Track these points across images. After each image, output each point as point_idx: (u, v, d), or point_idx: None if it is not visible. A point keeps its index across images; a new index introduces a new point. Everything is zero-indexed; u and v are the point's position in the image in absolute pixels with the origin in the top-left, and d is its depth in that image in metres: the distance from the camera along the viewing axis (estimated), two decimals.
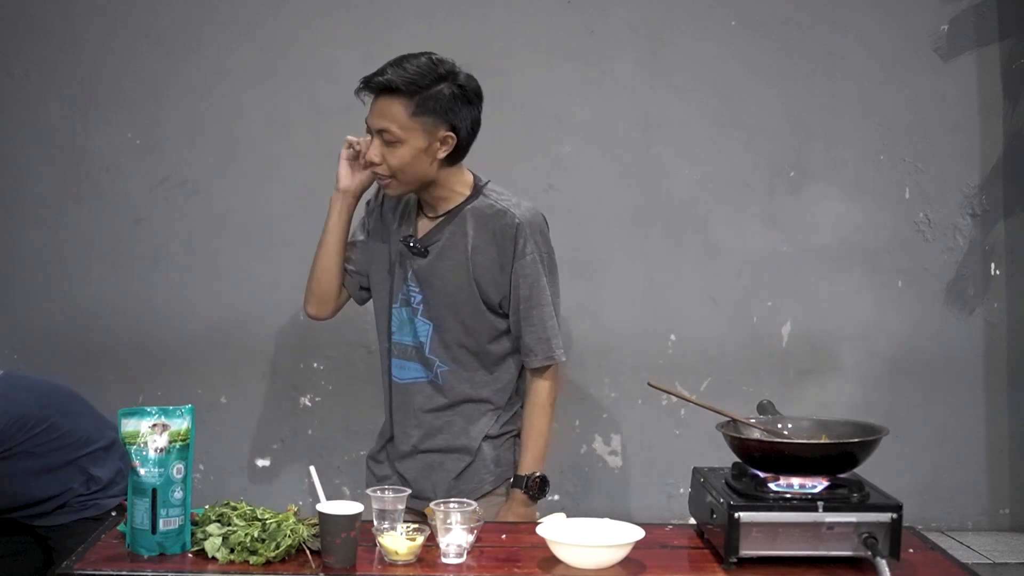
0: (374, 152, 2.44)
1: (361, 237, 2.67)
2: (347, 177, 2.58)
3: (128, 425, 2.08)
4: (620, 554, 2.05)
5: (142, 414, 2.10)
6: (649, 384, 2.62)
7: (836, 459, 2.11)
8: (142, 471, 2.07)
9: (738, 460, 2.21)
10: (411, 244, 2.54)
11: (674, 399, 3.50)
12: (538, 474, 2.56)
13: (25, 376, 2.86)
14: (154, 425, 2.09)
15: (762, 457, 2.15)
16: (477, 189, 2.56)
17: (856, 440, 2.11)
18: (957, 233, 3.58)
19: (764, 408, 2.38)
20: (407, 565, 2.06)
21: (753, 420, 2.30)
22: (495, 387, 2.60)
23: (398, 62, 2.42)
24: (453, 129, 2.45)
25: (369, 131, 2.46)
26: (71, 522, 2.72)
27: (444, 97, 2.42)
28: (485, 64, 3.53)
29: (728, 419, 2.26)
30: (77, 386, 2.92)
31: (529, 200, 2.60)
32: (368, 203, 2.69)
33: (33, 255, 3.54)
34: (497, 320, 2.56)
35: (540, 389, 2.58)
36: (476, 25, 3.52)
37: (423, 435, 2.60)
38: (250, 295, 3.54)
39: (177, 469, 2.10)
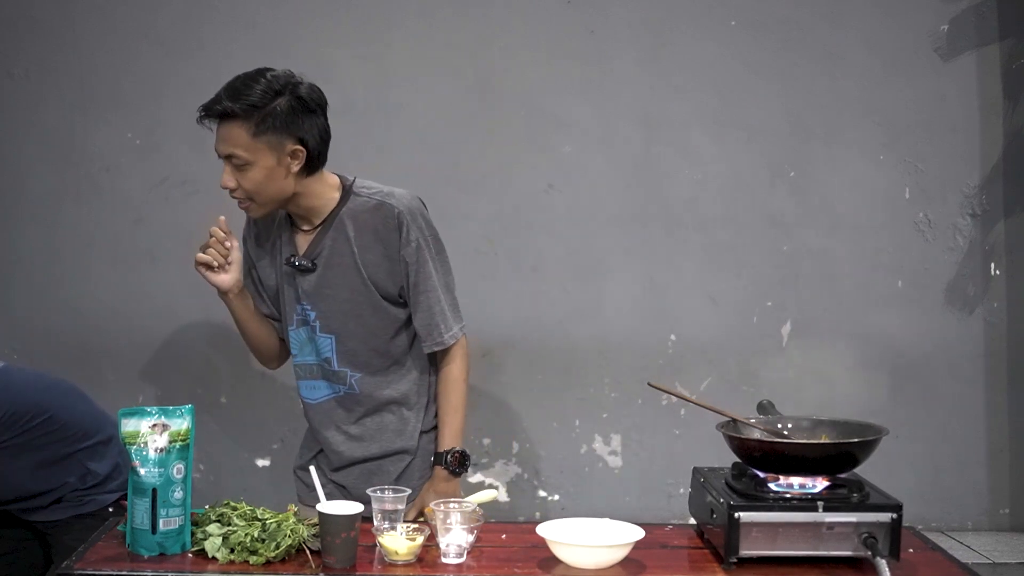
0: (227, 178, 2.39)
1: (257, 278, 2.61)
2: (222, 282, 2.49)
3: (128, 425, 2.08)
4: (620, 554, 2.05)
5: (142, 414, 2.10)
6: (649, 384, 2.62)
7: (836, 459, 2.11)
8: (142, 471, 2.07)
9: (738, 460, 2.21)
10: (296, 263, 2.50)
11: (674, 399, 3.51)
12: (458, 449, 2.54)
13: (24, 369, 2.86)
14: (154, 425, 2.09)
15: (762, 457, 2.15)
16: (347, 190, 2.51)
17: (856, 440, 2.11)
18: (957, 233, 3.58)
19: (764, 408, 2.38)
20: (407, 565, 2.06)
21: (753, 420, 2.30)
22: (411, 379, 2.57)
23: (232, 86, 2.39)
24: (300, 142, 2.40)
25: (220, 156, 2.42)
26: (69, 518, 2.72)
27: (283, 112, 2.37)
28: (485, 64, 3.56)
29: (728, 419, 2.26)
30: (77, 386, 2.92)
31: (404, 188, 2.55)
32: (243, 239, 2.62)
33: (33, 255, 3.54)
34: (400, 311, 2.54)
35: (449, 368, 2.57)
36: (476, 25, 3.52)
37: (356, 446, 2.57)
38: None
39: (177, 469, 2.10)
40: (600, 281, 3.58)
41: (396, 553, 2.05)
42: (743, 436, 2.21)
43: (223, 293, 2.51)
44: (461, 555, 2.08)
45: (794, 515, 2.04)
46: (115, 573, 2.00)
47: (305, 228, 2.52)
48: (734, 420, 2.27)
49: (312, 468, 2.28)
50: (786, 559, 2.06)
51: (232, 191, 2.41)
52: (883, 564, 1.96)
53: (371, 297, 2.50)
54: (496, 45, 3.54)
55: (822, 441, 2.20)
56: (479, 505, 2.18)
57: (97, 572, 2.01)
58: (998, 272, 3.60)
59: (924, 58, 3.54)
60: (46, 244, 3.54)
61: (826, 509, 2.04)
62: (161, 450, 2.08)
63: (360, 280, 2.48)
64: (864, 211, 3.58)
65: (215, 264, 2.47)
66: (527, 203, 3.56)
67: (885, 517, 2.04)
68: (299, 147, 2.39)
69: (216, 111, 2.37)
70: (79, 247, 3.53)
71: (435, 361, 2.60)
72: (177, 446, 2.10)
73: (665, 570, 2.06)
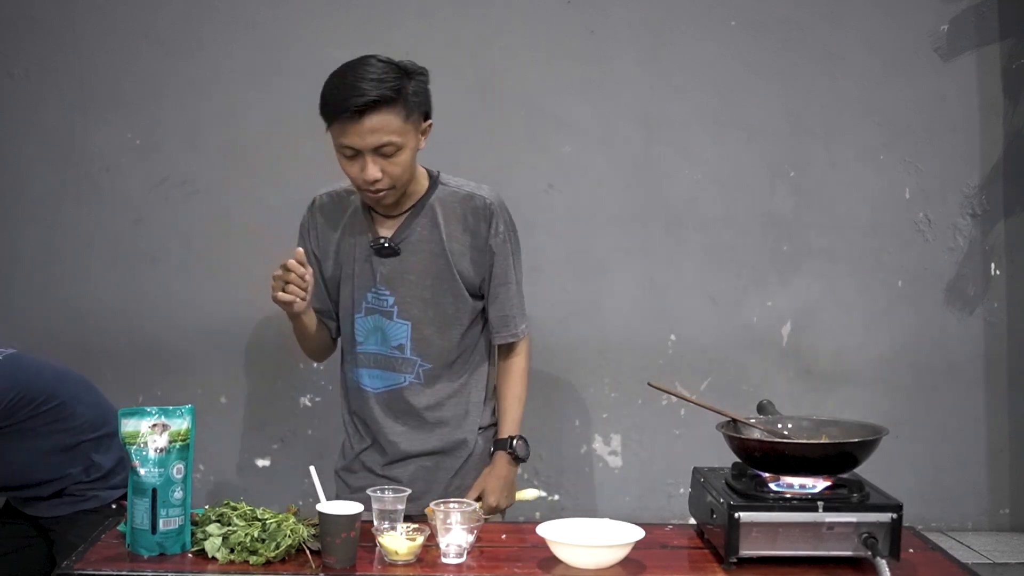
0: (374, 170, 2.35)
1: (316, 273, 2.55)
2: (296, 305, 2.40)
3: (128, 425, 2.08)
4: (620, 554, 2.05)
5: (142, 414, 2.10)
6: (649, 384, 2.63)
7: (836, 459, 2.11)
8: (142, 471, 2.07)
9: (738, 460, 2.21)
10: (386, 244, 2.50)
11: (674, 399, 3.51)
12: (520, 436, 2.60)
13: (34, 358, 2.85)
14: (154, 425, 2.09)
15: (762, 457, 2.15)
16: (434, 179, 2.55)
17: (856, 440, 2.11)
18: (957, 233, 3.58)
19: (764, 408, 2.38)
20: (407, 565, 2.06)
21: (753, 420, 2.30)
22: (476, 374, 2.60)
23: (365, 76, 2.33)
24: (427, 116, 2.45)
25: (352, 151, 2.36)
26: (72, 514, 2.72)
27: (418, 90, 2.40)
28: (485, 64, 3.56)
29: (728, 419, 2.26)
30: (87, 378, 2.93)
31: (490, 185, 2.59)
32: (301, 231, 2.60)
33: (33, 255, 3.54)
34: (477, 303, 2.57)
35: (514, 361, 2.64)
36: (476, 25, 3.52)
37: (415, 438, 2.58)
38: (250, 295, 3.54)
39: (177, 469, 2.10)
40: (600, 281, 3.58)
41: (396, 553, 2.05)
42: (743, 436, 2.21)
43: (293, 315, 2.48)
44: (461, 555, 2.08)
45: (794, 515, 2.05)
46: (115, 573, 2.00)
47: (388, 214, 2.51)
48: (734, 420, 2.27)
49: (312, 469, 2.28)
50: (786, 559, 2.06)
51: (375, 183, 2.37)
52: (883, 564, 1.96)
53: (454, 285, 2.51)
54: (496, 45, 3.54)
55: (822, 441, 2.20)
56: (525, 501, 2.20)
57: (97, 572, 2.01)
58: (998, 272, 3.60)
59: (924, 58, 3.54)
60: (46, 244, 3.54)
61: (826, 509, 2.04)
62: (161, 450, 2.08)
63: (445, 267, 2.50)
64: (864, 211, 3.58)
65: (297, 301, 2.40)
66: (527, 203, 3.55)
67: (885, 517, 2.04)
68: (429, 122, 2.44)
69: (366, 102, 2.30)
70: (79, 247, 3.53)
71: (494, 358, 2.64)
72: (177, 446, 2.10)
73: (665, 570, 2.06)
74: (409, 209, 2.51)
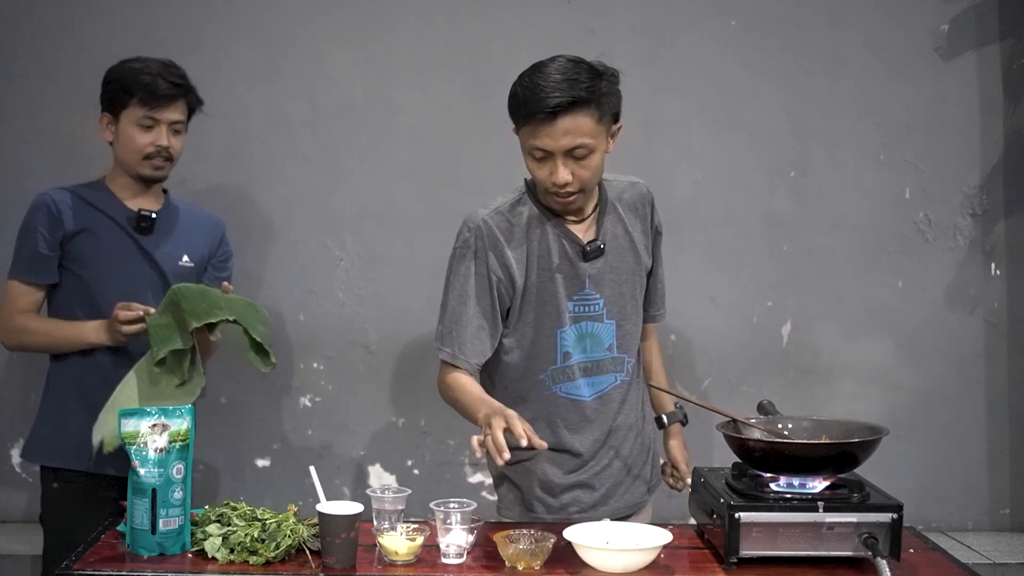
0: (564, 173, 2.30)
1: (505, 292, 2.44)
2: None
3: (128, 425, 2.08)
4: (648, 557, 2.04)
5: (142, 414, 2.10)
6: (649, 384, 2.62)
7: (836, 459, 2.11)
8: (142, 471, 2.07)
9: (738, 460, 2.21)
10: (601, 246, 2.45)
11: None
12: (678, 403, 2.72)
13: None
14: (154, 425, 2.09)
15: (762, 457, 2.15)
16: None
17: (856, 440, 2.12)
18: (957, 233, 3.58)
19: (764, 408, 2.38)
20: (407, 565, 2.06)
21: (753, 420, 2.30)
22: (638, 359, 2.60)
23: (555, 76, 2.27)
24: (616, 118, 2.38)
25: (542, 153, 2.31)
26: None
27: (610, 91, 2.33)
28: (485, 64, 3.56)
29: (728, 419, 2.27)
30: None
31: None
32: (467, 260, 2.41)
33: None
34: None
35: (655, 336, 2.73)
36: (476, 25, 3.52)
37: (625, 445, 2.54)
38: (250, 295, 3.53)
39: (177, 469, 2.10)
40: None
41: (396, 553, 2.05)
42: (743, 436, 2.21)
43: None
44: (461, 555, 2.08)
45: (794, 515, 2.05)
46: (115, 573, 2.01)
47: (575, 218, 2.46)
48: (734, 420, 2.27)
49: (312, 469, 2.28)
50: (786, 559, 2.06)
51: (565, 186, 2.33)
52: (883, 564, 1.96)
53: (641, 276, 2.55)
54: (496, 45, 3.53)
55: (822, 441, 2.20)
56: None
57: (97, 572, 2.01)
58: (998, 272, 3.60)
59: (924, 58, 3.54)
60: None
61: (826, 509, 2.04)
62: (161, 450, 2.08)
63: (635, 259, 2.52)
64: (864, 211, 3.58)
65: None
66: None
67: (885, 517, 2.04)
68: (619, 125, 2.39)
69: (560, 103, 2.25)
70: None
71: None
72: (177, 446, 2.10)
73: (665, 570, 2.06)
74: (596, 208, 2.49)
